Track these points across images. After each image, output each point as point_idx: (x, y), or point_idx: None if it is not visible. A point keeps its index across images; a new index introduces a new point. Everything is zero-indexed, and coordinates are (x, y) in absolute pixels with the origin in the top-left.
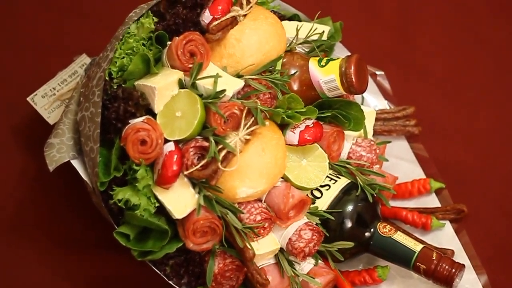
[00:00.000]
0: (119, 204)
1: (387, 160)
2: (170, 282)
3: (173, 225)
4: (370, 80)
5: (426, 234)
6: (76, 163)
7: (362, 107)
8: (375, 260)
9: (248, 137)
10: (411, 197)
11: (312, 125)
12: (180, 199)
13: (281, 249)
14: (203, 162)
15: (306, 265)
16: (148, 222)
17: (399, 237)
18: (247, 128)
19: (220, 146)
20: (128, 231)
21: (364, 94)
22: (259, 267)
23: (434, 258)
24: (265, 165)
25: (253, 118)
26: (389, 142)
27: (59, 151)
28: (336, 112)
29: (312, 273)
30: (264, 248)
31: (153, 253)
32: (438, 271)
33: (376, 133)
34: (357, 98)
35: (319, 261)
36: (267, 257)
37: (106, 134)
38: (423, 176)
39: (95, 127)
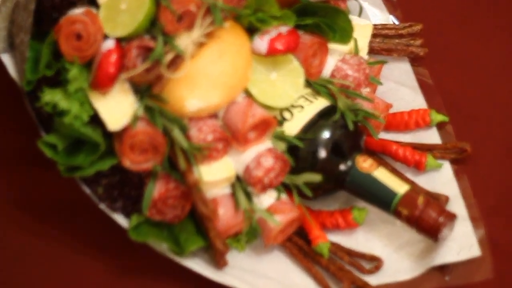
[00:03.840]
0: (46, 108)
1: (380, 83)
2: (102, 204)
3: (111, 139)
4: None
5: (420, 175)
6: (5, 58)
7: (357, 19)
8: (355, 201)
9: (203, 39)
10: (407, 130)
11: (286, 32)
12: (117, 108)
13: (239, 178)
14: (145, 65)
15: (266, 199)
16: (78, 132)
17: (381, 174)
18: (203, 29)
19: (168, 48)
20: (56, 142)
21: (365, 5)
22: (213, 197)
23: (419, 203)
24: (220, 74)
25: (212, 19)
26: (385, 62)
27: None
28: (319, 20)
29: (272, 209)
30: (216, 174)
31: (82, 169)
32: (423, 218)
33: (373, 51)
34: (355, 7)
35: (283, 196)
36: (221, 185)
37: (40, 25)
38: (425, 107)
39: (27, 15)
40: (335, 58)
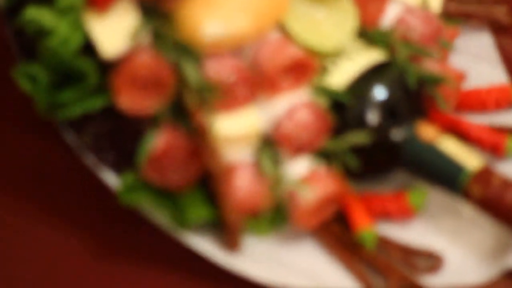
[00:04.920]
0: (29, 29)
1: (453, 49)
2: (88, 157)
3: (106, 75)
4: None
5: (498, 162)
6: None
7: None
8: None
9: None
10: (484, 110)
11: None
12: (116, 31)
13: (266, 140)
14: None
15: (299, 167)
16: (65, 60)
17: (447, 144)
18: None
19: None
20: (37, 73)
21: None
22: (230, 162)
23: (495, 180)
24: None
25: None
26: (461, 23)
27: None
28: None
29: (305, 180)
30: (236, 127)
31: (66, 107)
32: (499, 198)
33: (447, 15)
34: None
35: (320, 165)
36: (242, 145)
37: None
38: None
39: None
40: (398, 8)
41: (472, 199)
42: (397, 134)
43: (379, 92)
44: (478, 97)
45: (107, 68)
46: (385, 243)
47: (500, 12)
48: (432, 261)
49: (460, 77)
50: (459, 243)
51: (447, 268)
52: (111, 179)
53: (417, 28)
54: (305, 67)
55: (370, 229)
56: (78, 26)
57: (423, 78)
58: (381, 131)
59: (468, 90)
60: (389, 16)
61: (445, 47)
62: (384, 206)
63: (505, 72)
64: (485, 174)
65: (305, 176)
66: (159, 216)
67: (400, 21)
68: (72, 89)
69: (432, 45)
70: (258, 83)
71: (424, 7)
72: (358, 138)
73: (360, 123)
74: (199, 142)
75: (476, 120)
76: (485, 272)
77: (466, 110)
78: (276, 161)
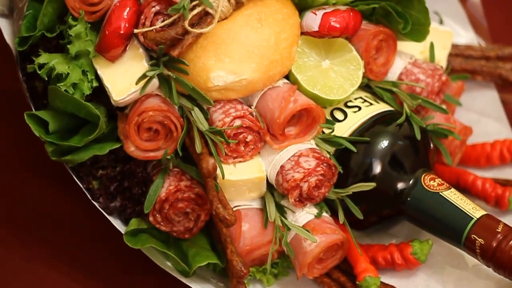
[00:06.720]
0: (40, 72)
1: (459, 104)
2: (95, 203)
3: (115, 123)
4: (458, 6)
5: (501, 216)
6: (2, 22)
7: (435, 24)
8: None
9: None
10: (489, 165)
11: (345, 9)
12: (126, 76)
13: (271, 189)
14: (167, 21)
15: (303, 215)
16: (75, 102)
17: (452, 195)
18: None
19: (196, 1)
20: (47, 118)
21: (447, 21)
22: (236, 209)
23: (499, 230)
24: (258, 42)
25: None
26: (467, 77)
27: None
28: (387, 4)
29: (310, 227)
30: (241, 174)
31: (75, 151)
32: (503, 250)
33: (454, 71)
34: (433, 19)
35: (324, 214)
36: (248, 194)
37: None
38: None
39: None
40: (404, 60)
41: (474, 250)
42: (401, 184)
43: (385, 141)
44: (483, 151)
45: (116, 113)
46: None
47: (505, 69)
48: None
49: (466, 131)
50: None
51: None
52: (119, 222)
53: (423, 78)
54: (313, 115)
55: (373, 275)
56: (90, 73)
57: (429, 131)
58: (385, 180)
59: (474, 144)
60: (395, 69)
61: (451, 102)
62: (388, 256)
63: (510, 127)
64: (488, 223)
65: (309, 222)
66: (165, 260)
67: (406, 73)
68: (81, 134)
69: (438, 98)
70: (265, 130)
71: (431, 61)
72: (362, 186)
73: (366, 172)
74: (205, 188)
75: (481, 174)
76: None
77: (471, 164)
78: (282, 209)
